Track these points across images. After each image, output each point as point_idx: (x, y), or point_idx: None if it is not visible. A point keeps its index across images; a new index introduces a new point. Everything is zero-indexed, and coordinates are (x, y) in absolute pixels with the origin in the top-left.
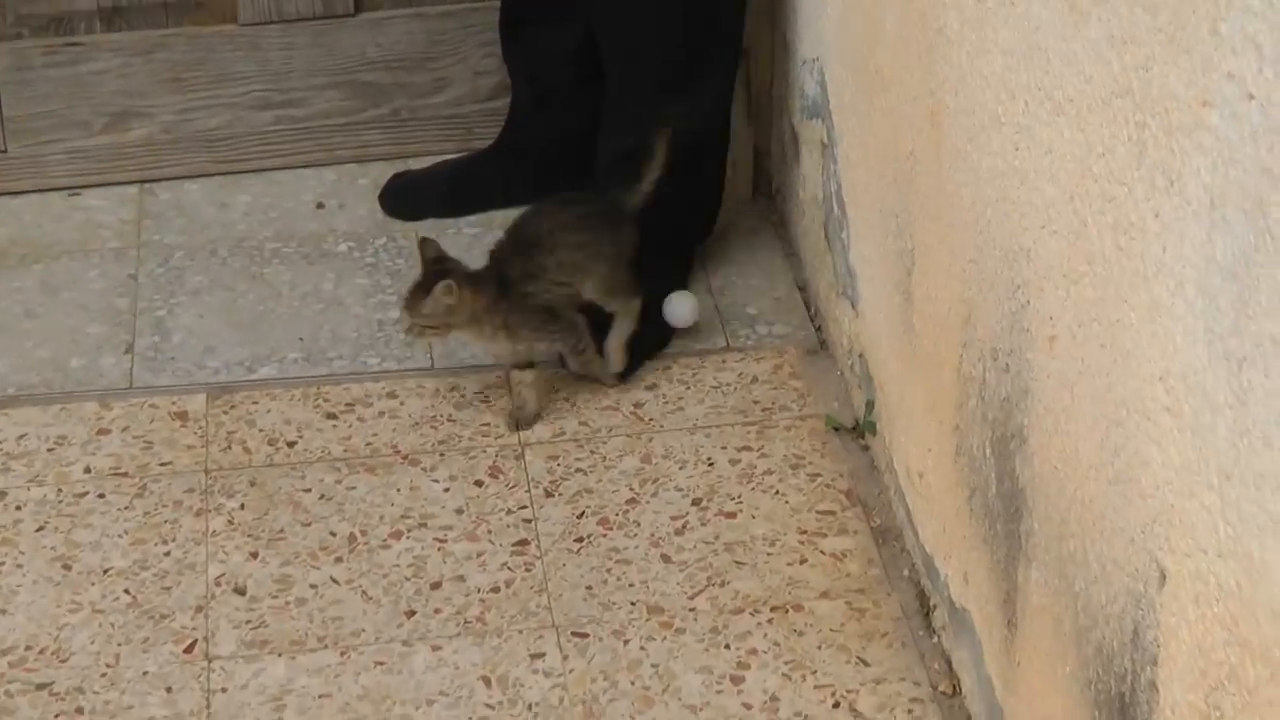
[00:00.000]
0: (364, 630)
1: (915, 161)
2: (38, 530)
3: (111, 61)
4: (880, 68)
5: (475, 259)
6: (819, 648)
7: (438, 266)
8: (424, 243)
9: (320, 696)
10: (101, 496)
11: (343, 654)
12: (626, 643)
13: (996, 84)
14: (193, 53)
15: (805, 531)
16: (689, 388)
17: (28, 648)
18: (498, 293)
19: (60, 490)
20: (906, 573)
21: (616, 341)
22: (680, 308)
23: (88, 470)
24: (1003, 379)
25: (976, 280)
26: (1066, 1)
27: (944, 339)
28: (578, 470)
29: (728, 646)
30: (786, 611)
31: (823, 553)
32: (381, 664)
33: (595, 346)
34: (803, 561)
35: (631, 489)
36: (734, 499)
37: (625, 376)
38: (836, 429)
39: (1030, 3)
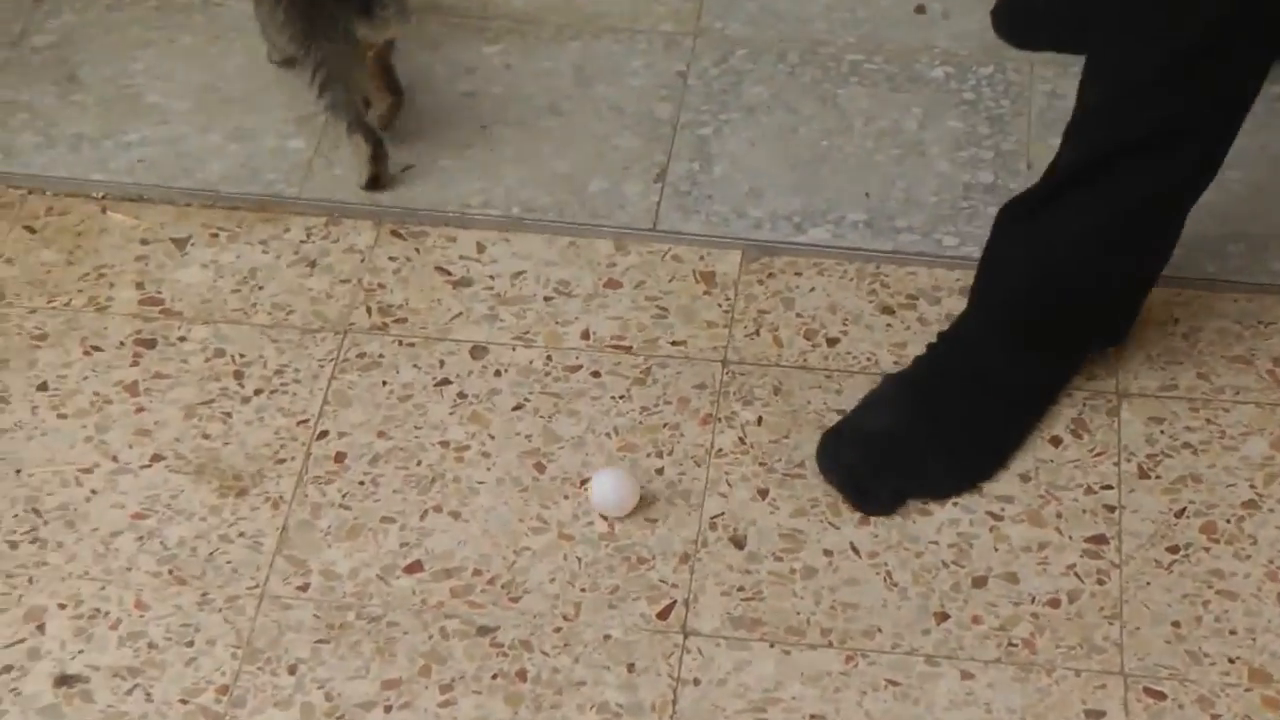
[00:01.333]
0: (880, 629)
1: None
2: (515, 409)
3: None
4: None
5: None
6: None
7: None
8: None
9: (811, 717)
10: (595, 375)
11: (849, 659)
12: (1215, 719)
13: None
14: None
15: None
16: None
17: (476, 572)
18: None
19: (550, 358)
20: None
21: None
22: (605, 489)
23: (585, 336)
24: None
25: None
26: None
27: None
28: (1185, 445)
29: None
30: None
31: None
32: (895, 684)
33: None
34: None
35: (1253, 486)
36: None
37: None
38: None
39: None
